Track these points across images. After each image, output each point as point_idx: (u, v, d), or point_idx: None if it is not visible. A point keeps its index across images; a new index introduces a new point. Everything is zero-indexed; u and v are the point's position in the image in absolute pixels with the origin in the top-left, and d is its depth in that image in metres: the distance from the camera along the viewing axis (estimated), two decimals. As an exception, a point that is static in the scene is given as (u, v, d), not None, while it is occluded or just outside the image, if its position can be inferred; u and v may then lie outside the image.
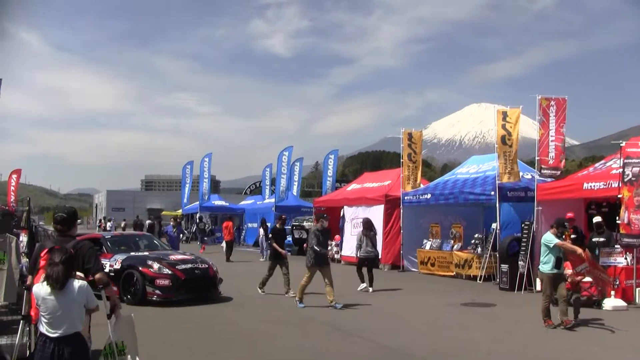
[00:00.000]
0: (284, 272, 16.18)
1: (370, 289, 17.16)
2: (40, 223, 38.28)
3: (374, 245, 17.57)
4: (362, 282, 17.46)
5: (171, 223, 26.45)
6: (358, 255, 17.47)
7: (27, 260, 11.02)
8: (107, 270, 14.17)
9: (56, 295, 5.34)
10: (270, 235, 17.08)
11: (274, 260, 16.35)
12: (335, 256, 26.96)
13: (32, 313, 5.95)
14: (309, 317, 12.83)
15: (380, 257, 18.77)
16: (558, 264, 11.75)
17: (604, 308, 13.69)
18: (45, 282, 5.38)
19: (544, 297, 11.82)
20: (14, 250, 9.61)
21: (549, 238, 11.78)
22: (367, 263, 17.44)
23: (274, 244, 16.26)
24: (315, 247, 14.10)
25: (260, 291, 16.30)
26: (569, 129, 17.19)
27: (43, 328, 5.40)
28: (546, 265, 11.79)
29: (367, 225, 17.70)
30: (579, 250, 11.76)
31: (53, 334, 5.34)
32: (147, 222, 42.91)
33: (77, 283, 5.46)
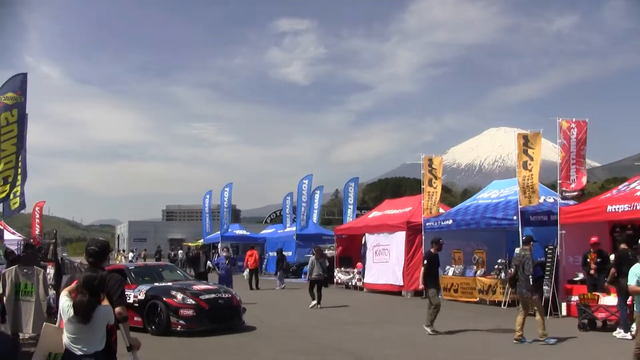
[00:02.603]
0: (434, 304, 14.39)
1: (319, 306, 19.65)
2: (64, 255, 38.58)
3: (324, 270, 20.55)
4: (313, 299, 19.94)
5: (223, 253, 22.79)
6: (310, 278, 20.30)
7: (55, 292, 11.14)
8: (131, 301, 14.25)
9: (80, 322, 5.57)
10: (425, 262, 14.79)
11: (428, 290, 14.56)
12: (358, 284, 26.91)
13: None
14: (332, 347, 12.76)
15: (329, 279, 22.48)
16: None
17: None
18: (71, 310, 5.57)
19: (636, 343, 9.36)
20: (42, 283, 9.72)
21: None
22: (317, 284, 20.08)
23: (421, 274, 14.47)
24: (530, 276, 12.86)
25: (429, 331, 14.04)
26: (589, 150, 17.14)
27: (66, 342, 5.63)
28: None
29: (318, 252, 20.85)
30: None
31: (75, 351, 5.57)
32: (180, 252, 42.40)
33: (102, 309, 5.65)
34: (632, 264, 13.29)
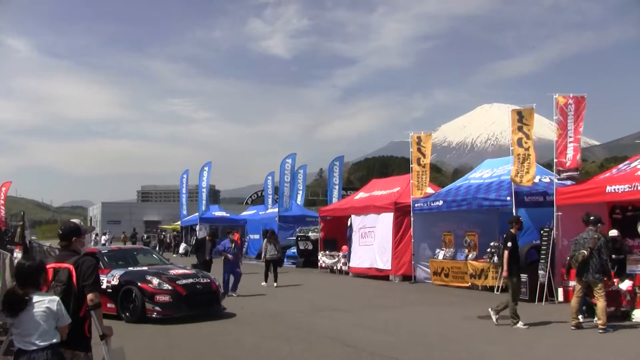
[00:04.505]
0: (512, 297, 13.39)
1: (275, 284, 21.81)
2: (33, 238, 38.30)
3: (277, 250, 22.60)
4: (266, 280, 22.26)
5: (229, 236, 21.35)
6: (265, 257, 22.53)
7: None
8: (104, 286, 14.14)
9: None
10: (508, 245, 13.65)
11: (511, 277, 13.46)
12: (343, 268, 26.96)
13: None
14: (317, 333, 12.76)
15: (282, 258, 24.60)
16: None
17: (633, 319, 13.58)
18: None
19: None
20: (8, 267, 9.59)
21: None
22: (272, 264, 22.40)
23: (505, 258, 13.53)
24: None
25: (495, 319, 13.29)
26: (588, 128, 17.15)
27: (15, 340, 5.42)
28: None
29: (270, 234, 23.12)
30: None
31: (24, 346, 5.33)
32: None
33: (47, 299, 5.41)
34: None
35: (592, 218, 13.25)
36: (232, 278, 19.69)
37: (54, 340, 5.40)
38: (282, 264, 23.52)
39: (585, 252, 12.59)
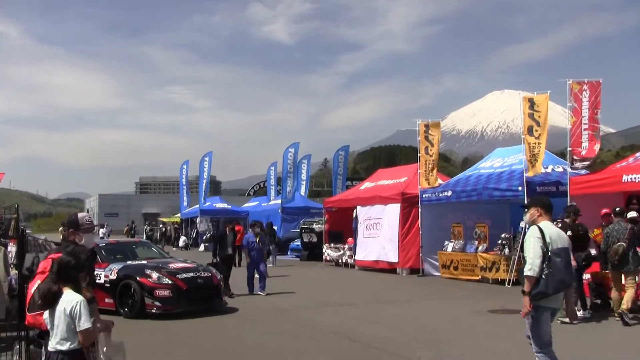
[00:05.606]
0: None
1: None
2: (28, 231, 38.38)
3: (264, 242, 21.18)
4: None
5: (253, 230, 20.05)
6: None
7: (17, 272, 11.01)
8: (102, 281, 14.18)
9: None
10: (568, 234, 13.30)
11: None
12: (349, 261, 26.96)
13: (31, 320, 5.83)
14: (322, 329, 12.75)
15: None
16: None
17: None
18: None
19: None
20: (2, 262, 9.57)
21: None
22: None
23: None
24: None
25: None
26: (604, 115, 16.97)
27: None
28: None
29: (260, 227, 21.54)
30: None
31: (50, 347, 5.26)
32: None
33: (67, 299, 5.24)
34: (578, 240, 13.18)
35: (617, 209, 13.52)
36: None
37: (66, 347, 5.20)
38: (268, 256, 24.48)
39: (623, 244, 12.76)
